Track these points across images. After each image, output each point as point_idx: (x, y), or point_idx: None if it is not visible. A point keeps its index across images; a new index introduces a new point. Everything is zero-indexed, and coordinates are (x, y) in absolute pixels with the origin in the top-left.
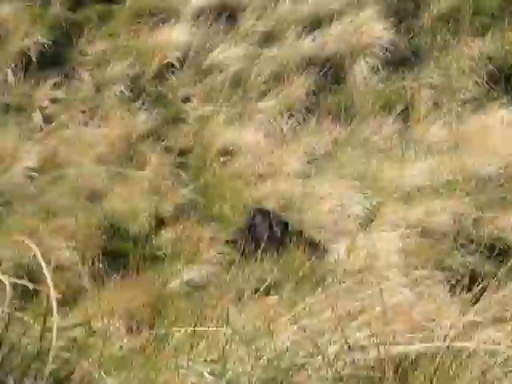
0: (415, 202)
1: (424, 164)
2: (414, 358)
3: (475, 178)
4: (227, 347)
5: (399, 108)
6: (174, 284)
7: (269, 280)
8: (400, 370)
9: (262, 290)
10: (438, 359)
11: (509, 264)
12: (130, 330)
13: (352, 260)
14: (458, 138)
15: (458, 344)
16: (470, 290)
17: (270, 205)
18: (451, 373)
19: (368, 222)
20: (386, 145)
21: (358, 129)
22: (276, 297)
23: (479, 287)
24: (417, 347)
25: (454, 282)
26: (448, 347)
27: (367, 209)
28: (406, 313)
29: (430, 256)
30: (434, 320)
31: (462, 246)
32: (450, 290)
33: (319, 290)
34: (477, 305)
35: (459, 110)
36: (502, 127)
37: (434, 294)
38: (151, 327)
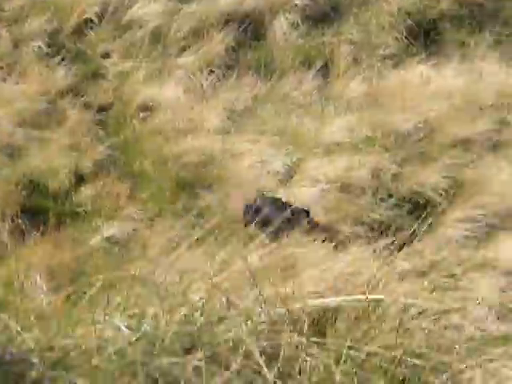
0: (335, 158)
1: (343, 120)
2: (331, 311)
3: (394, 133)
4: (144, 302)
5: (319, 64)
6: (95, 240)
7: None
8: (318, 323)
9: (183, 245)
10: (355, 312)
11: (428, 218)
12: (49, 287)
13: None
14: (378, 94)
15: (374, 297)
16: (389, 243)
17: (190, 159)
18: (368, 325)
19: (288, 177)
20: (306, 100)
21: (277, 84)
22: (198, 251)
23: (398, 240)
24: (334, 300)
25: (373, 235)
26: (365, 300)
27: (287, 165)
28: (325, 266)
29: (350, 211)
30: (352, 273)
31: (382, 200)
32: (370, 244)
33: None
34: (396, 257)
35: (379, 65)
36: (420, 82)
37: (353, 248)
38: (71, 283)
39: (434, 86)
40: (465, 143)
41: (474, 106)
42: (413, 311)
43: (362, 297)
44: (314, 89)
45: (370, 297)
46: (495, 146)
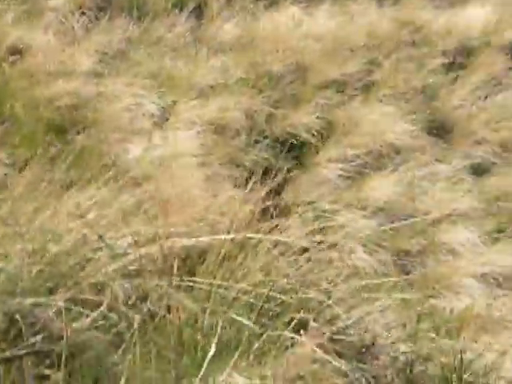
0: (209, 100)
1: (217, 62)
2: (201, 251)
3: (267, 75)
4: (8, 242)
5: (192, 5)
6: None
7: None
8: (187, 263)
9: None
10: (224, 251)
11: (302, 159)
12: None
13: (148, 159)
14: (251, 36)
15: (242, 235)
16: (263, 184)
17: (62, 103)
18: (237, 263)
19: (163, 120)
20: (180, 43)
21: (150, 27)
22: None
23: (273, 181)
24: (204, 240)
25: (248, 176)
26: (233, 239)
27: (162, 107)
28: (197, 207)
29: (225, 152)
30: (224, 213)
31: (256, 142)
32: (246, 185)
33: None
34: (271, 198)
35: (252, 6)
36: (293, 24)
37: (228, 190)
38: None
39: (306, 28)
40: (337, 84)
41: (345, 48)
42: (282, 248)
43: (231, 236)
44: (188, 31)
45: (239, 235)
46: (366, 87)
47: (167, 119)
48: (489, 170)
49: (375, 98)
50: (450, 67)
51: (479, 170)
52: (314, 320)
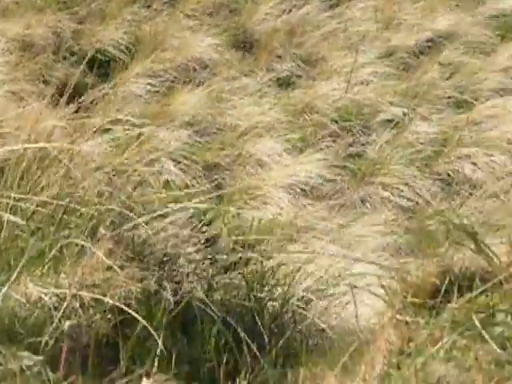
0: (13, 17)
1: None
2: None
3: None
4: None
5: None
6: None
7: None
8: None
9: None
10: (24, 163)
11: (111, 75)
12: None
13: None
14: None
15: (40, 146)
16: (71, 101)
17: None
18: (37, 176)
19: None
20: None
21: None
22: None
23: (82, 98)
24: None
25: (56, 93)
26: (25, 150)
27: None
28: None
29: (31, 69)
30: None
31: (64, 58)
32: (52, 103)
33: None
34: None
35: None
36: None
37: (36, 106)
38: None
39: None
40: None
41: None
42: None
43: (29, 146)
44: None
45: (36, 145)
46: (173, 2)
47: None
48: (293, 84)
49: (181, 12)
50: None
51: (284, 84)
52: (107, 228)
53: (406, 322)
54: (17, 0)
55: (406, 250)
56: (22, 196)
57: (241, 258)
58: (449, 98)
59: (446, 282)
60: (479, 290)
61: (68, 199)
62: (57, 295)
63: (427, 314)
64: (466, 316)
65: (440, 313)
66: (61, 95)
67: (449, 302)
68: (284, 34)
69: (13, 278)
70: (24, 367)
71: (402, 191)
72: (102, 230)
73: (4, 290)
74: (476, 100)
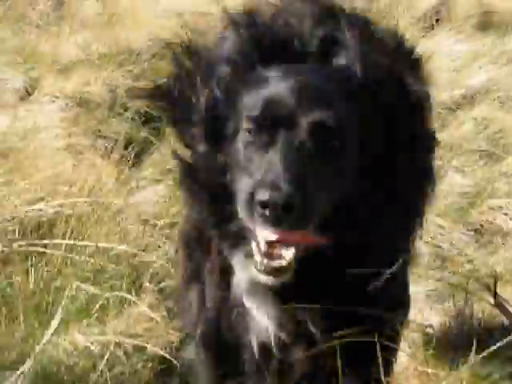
0: (72, 74)
1: (79, 38)
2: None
3: (128, 50)
4: None
5: None
6: None
7: None
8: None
9: None
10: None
11: (162, 129)
12: None
13: (14, 131)
14: (111, 13)
15: (91, 200)
16: (125, 154)
17: None
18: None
19: (28, 95)
20: (43, 20)
21: (13, 5)
22: None
23: (134, 151)
24: (52, 205)
25: (110, 147)
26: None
27: (26, 82)
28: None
29: (88, 125)
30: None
31: (119, 114)
32: (108, 156)
33: None
34: (133, 167)
35: None
36: (151, 0)
37: (92, 160)
38: None
39: (165, 3)
40: None
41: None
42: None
43: (81, 200)
44: (50, 9)
45: (88, 200)
46: None
47: (31, 94)
48: None
49: None
50: None
51: None
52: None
53: (428, 374)
54: (75, 59)
55: (433, 299)
56: (74, 246)
57: None
58: (482, 151)
59: (466, 334)
60: (498, 344)
61: (114, 251)
62: (102, 343)
63: (448, 366)
64: (485, 369)
65: (460, 365)
66: (114, 149)
67: (468, 354)
68: None
69: (61, 328)
70: None
71: (436, 240)
72: (146, 283)
73: (51, 338)
74: (508, 153)
